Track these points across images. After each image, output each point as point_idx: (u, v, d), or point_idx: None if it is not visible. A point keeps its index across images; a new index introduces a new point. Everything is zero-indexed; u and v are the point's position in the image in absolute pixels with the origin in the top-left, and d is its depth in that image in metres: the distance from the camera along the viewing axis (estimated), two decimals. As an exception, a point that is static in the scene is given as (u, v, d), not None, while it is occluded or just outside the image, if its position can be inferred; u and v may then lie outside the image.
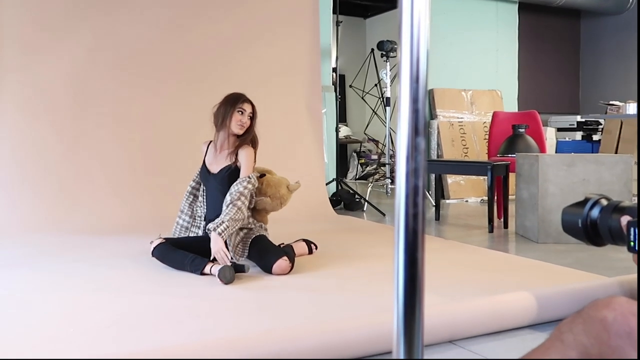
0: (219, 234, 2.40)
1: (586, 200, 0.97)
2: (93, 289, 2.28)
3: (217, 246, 2.41)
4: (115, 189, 3.86)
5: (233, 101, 2.66)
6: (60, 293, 2.21)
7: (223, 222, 2.43)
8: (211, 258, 2.45)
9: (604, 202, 0.95)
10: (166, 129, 4.11)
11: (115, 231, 3.51)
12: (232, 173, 2.64)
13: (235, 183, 2.57)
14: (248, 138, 2.69)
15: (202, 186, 2.77)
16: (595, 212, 0.95)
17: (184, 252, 2.53)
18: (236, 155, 2.66)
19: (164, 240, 2.60)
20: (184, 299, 2.10)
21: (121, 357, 1.45)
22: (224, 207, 2.50)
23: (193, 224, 2.76)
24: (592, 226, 0.95)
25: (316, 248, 2.89)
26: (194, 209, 2.77)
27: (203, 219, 2.73)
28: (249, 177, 2.58)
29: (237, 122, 2.65)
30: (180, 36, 4.23)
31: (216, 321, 1.88)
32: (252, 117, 2.71)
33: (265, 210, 2.79)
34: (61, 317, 1.92)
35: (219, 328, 1.81)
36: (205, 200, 2.74)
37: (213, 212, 2.65)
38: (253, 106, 2.72)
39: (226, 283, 2.30)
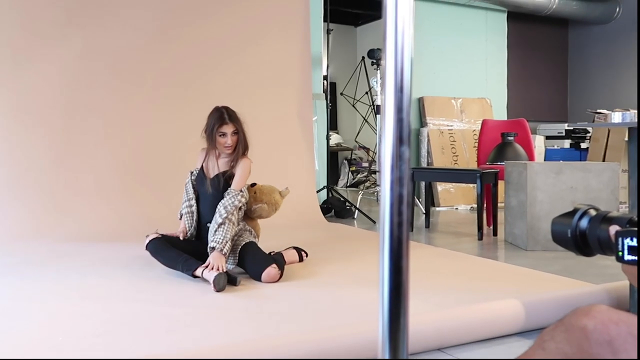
0: (225, 254, 2.47)
1: (575, 210, 0.98)
2: (82, 296, 2.26)
3: (219, 262, 2.42)
4: (104, 197, 3.84)
5: (212, 126, 2.68)
6: (49, 301, 2.20)
7: (226, 241, 2.49)
8: (206, 265, 2.44)
9: (593, 212, 0.96)
10: (156, 136, 4.10)
11: (105, 239, 3.49)
12: (228, 178, 2.69)
13: (229, 196, 2.60)
14: (241, 149, 2.72)
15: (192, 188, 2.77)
16: (584, 223, 0.95)
17: (178, 251, 2.56)
18: (235, 164, 2.71)
19: (159, 236, 2.62)
20: (174, 307, 2.09)
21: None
22: (219, 219, 2.53)
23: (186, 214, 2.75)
24: (581, 236, 0.95)
25: (306, 255, 2.88)
26: (192, 207, 2.75)
27: (194, 221, 2.73)
28: (241, 191, 2.64)
29: (222, 146, 2.69)
30: (171, 44, 4.23)
31: (206, 330, 1.87)
32: (237, 132, 2.72)
33: (260, 217, 2.83)
34: (50, 325, 1.91)
35: (208, 336, 1.80)
36: (200, 204, 2.75)
37: (207, 216, 2.68)
38: (235, 123, 2.70)
39: (218, 290, 2.30)
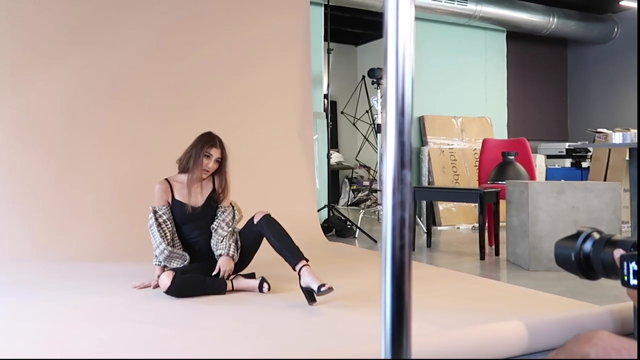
0: (232, 257, 2.63)
1: (578, 233, 0.97)
2: (79, 316, 2.24)
3: (229, 266, 2.60)
4: (103, 216, 3.83)
5: (202, 145, 2.71)
6: (46, 320, 2.18)
7: (230, 245, 2.65)
8: (217, 271, 2.58)
9: (597, 235, 0.95)
10: (156, 156, 4.10)
11: (103, 258, 3.47)
12: (215, 199, 2.79)
13: (226, 213, 2.75)
14: (221, 174, 2.77)
15: (172, 223, 2.70)
16: (587, 246, 0.94)
17: (198, 277, 2.57)
18: (213, 180, 2.78)
19: (172, 272, 2.52)
20: (170, 328, 2.07)
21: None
22: (224, 232, 2.68)
23: (174, 253, 2.69)
24: (585, 260, 0.94)
25: (268, 290, 2.63)
26: (174, 241, 2.71)
27: (195, 248, 2.75)
28: (232, 207, 2.80)
29: (202, 167, 2.70)
30: (171, 63, 4.25)
31: (202, 350, 1.85)
32: (221, 161, 2.75)
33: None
34: (48, 345, 1.88)
35: (206, 357, 1.78)
36: (192, 233, 2.75)
37: (202, 236, 2.75)
38: (222, 150, 2.75)
39: (268, 289, 2.57)
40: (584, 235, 0.95)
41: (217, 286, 2.57)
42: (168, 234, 2.66)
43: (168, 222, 2.68)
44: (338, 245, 4.21)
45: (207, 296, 2.55)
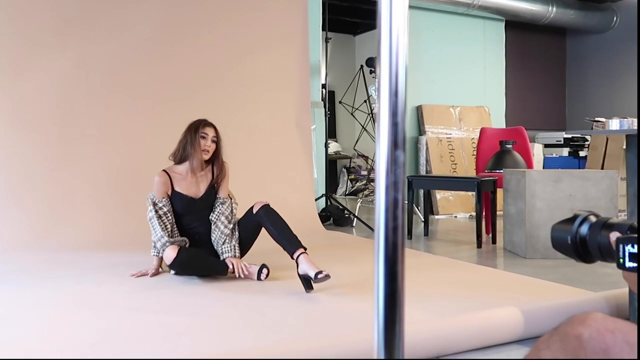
0: (238, 256, 2.67)
1: (575, 217, 0.97)
2: (78, 305, 2.24)
3: (240, 264, 2.61)
4: (100, 205, 3.83)
5: (195, 128, 2.71)
6: (45, 309, 2.18)
7: (234, 246, 2.68)
8: (232, 270, 2.61)
9: (593, 218, 0.95)
10: (153, 146, 4.09)
11: (101, 247, 3.48)
12: (215, 190, 2.80)
13: (225, 205, 2.76)
14: (219, 160, 2.78)
15: (172, 215, 2.71)
16: (584, 229, 0.94)
17: (202, 255, 2.62)
18: (212, 170, 2.78)
19: (177, 246, 2.57)
20: (169, 316, 2.08)
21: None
22: (226, 230, 2.69)
23: (175, 243, 2.68)
24: (581, 243, 0.94)
25: (266, 276, 2.63)
26: (173, 232, 2.71)
27: (195, 237, 2.78)
28: (230, 199, 2.80)
29: (201, 149, 2.70)
30: (167, 54, 4.23)
31: (201, 338, 1.85)
32: (217, 141, 2.75)
33: None
34: (46, 334, 1.89)
35: (204, 345, 1.78)
36: (193, 223, 2.77)
37: (202, 226, 2.77)
38: (216, 129, 2.76)
39: (267, 276, 2.59)
40: (580, 218, 0.95)
41: (219, 266, 2.61)
42: (168, 225, 2.67)
43: (168, 214, 2.69)
44: (335, 234, 4.22)
45: (205, 283, 2.56)
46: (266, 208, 2.64)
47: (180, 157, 2.74)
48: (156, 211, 2.65)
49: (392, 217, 0.64)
